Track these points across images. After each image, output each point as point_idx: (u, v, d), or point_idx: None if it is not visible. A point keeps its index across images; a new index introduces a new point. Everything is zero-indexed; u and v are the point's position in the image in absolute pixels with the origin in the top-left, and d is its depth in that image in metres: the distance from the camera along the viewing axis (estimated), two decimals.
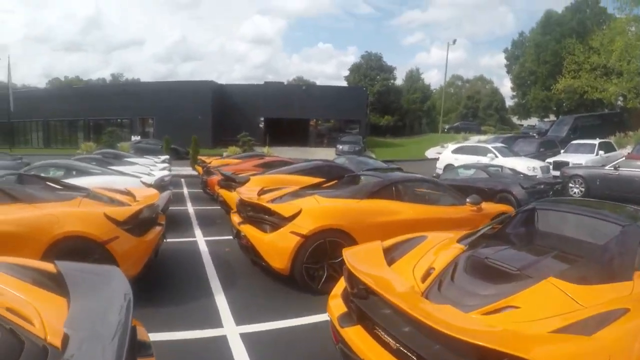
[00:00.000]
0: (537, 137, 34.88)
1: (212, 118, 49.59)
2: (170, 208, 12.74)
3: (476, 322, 3.41)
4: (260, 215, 7.84)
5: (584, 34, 44.07)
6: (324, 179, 10.19)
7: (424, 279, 4.29)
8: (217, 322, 6.00)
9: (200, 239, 10.95)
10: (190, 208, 15.49)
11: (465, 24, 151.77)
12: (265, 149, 36.63)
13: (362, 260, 4.58)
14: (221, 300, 6.77)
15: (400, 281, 4.20)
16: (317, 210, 7.46)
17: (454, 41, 66.01)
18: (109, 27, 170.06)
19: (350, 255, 4.52)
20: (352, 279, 4.17)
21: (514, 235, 5.84)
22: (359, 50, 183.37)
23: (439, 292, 4.06)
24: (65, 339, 2.42)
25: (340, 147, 42.31)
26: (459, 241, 5.12)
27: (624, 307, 3.45)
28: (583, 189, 18.72)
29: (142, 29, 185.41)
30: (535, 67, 62.02)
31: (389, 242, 5.27)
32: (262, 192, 8.97)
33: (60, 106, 52.59)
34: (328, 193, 8.53)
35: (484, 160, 21.97)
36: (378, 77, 78.03)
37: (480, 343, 2.76)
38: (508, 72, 74.05)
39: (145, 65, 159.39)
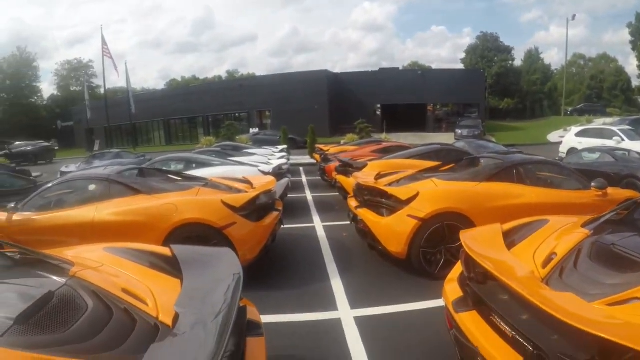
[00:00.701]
0: None
1: (329, 107, 49.70)
2: (288, 195, 12.83)
3: (600, 313, 3.07)
4: (377, 199, 7.85)
5: None
6: (441, 163, 9.98)
7: (544, 265, 4.00)
8: (332, 305, 6.11)
9: (318, 224, 11.14)
10: (309, 195, 15.81)
11: None
12: (383, 135, 35.93)
13: (481, 243, 4.38)
14: (337, 284, 6.88)
15: (520, 266, 3.92)
16: (434, 193, 7.39)
17: (574, 17, 62.02)
18: (220, 27, 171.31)
19: (469, 238, 4.34)
20: (470, 262, 3.98)
21: None
22: (474, 32, 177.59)
23: (560, 279, 3.76)
24: (176, 318, 2.65)
25: (459, 131, 41.00)
26: (583, 226, 4.69)
27: None
28: None
29: (252, 25, 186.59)
30: None
31: (508, 226, 5.01)
32: (379, 176, 8.96)
33: (179, 105, 56.13)
34: (446, 176, 8.40)
35: (609, 143, 20.98)
36: (495, 58, 76.43)
37: (603, 335, 2.51)
38: (633, 48, 71.34)
39: (260, 60, 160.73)
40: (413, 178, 8.39)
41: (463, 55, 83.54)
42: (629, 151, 16.65)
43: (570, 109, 66.73)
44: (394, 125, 46.17)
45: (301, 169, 24.06)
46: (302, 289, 6.78)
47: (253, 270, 6.70)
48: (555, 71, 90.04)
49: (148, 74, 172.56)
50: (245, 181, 8.86)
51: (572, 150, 21.81)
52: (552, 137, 40.96)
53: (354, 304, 6.11)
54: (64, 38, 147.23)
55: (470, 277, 3.95)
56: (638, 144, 19.98)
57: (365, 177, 9.13)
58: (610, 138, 22.14)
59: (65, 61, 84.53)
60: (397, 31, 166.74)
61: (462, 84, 51.63)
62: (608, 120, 38.62)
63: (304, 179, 20.39)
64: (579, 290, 3.45)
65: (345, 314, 5.82)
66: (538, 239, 4.54)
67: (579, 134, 24.74)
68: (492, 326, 3.51)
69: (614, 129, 23.65)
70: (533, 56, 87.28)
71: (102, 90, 63.15)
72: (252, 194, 7.52)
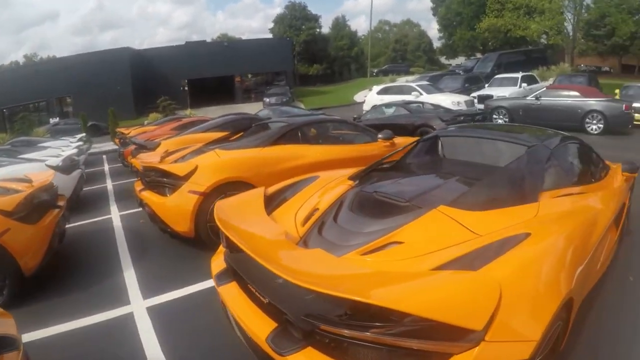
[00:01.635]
0: (462, 74, 35.11)
1: (132, 87, 46.93)
2: (85, 188, 12.34)
3: (344, 266, 3.12)
4: (158, 179, 7.42)
5: None
6: (231, 132, 9.86)
7: (305, 222, 4.00)
8: (124, 300, 5.71)
9: (115, 215, 10.44)
10: (110, 184, 14.81)
11: None
12: (188, 112, 35.73)
13: (236, 210, 4.25)
14: (130, 276, 6.46)
15: (272, 229, 3.78)
16: (215, 165, 7.14)
17: None
18: (16, 4, 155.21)
19: (222, 207, 4.16)
20: (222, 233, 3.79)
21: (415, 165, 5.62)
22: (285, 2, 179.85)
23: (319, 235, 3.74)
24: None
25: (267, 99, 41.14)
26: (350, 178, 4.83)
27: (525, 232, 3.28)
28: (507, 119, 19.35)
29: (53, 1, 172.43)
30: (461, 9, 63.09)
31: (275, 187, 4.97)
32: (167, 154, 8.48)
33: None
34: (231, 145, 8.25)
35: (409, 98, 21.97)
36: (303, 27, 77.15)
37: (337, 294, 2.44)
38: (434, 14, 74.77)
39: (62, 40, 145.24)
40: (198, 152, 8.03)
41: (272, 25, 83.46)
42: (422, 103, 17.74)
43: (376, 70, 69.64)
44: (203, 100, 45.79)
45: (104, 157, 22.69)
46: (94, 288, 6.20)
47: (40, 278, 6.19)
48: (362, 37, 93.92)
49: None
50: (26, 179, 7.75)
51: (374, 108, 22.13)
52: (358, 97, 42.05)
53: (146, 294, 5.80)
54: None
55: (225, 248, 3.88)
56: (435, 97, 21.76)
57: (148, 157, 8.71)
58: (409, 93, 23.31)
59: None
60: (208, 3, 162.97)
61: (270, 53, 51.58)
62: (410, 78, 40.60)
63: (106, 167, 19.14)
64: (337, 243, 3.50)
65: (138, 306, 5.50)
66: (304, 197, 4.58)
67: (381, 92, 25.64)
68: (250, 296, 3.40)
69: (412, 84, 25.09)
70: (340, 24, 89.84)
71: None
72: (24, 193, 6.46)
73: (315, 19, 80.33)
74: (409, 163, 5.67)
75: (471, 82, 28.95)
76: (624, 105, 17.17)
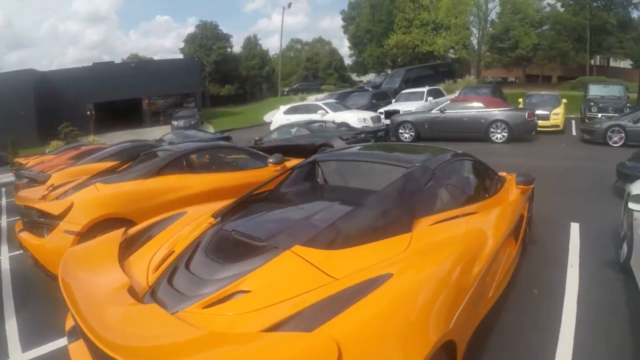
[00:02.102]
0: (370, 90, 35.04)
1: (36, 111, 42.51)
2: None
3: (169, 329, 2.58)
4: (35, 219, 6.66)
5: None
6: (120, 162, 9.03)
7: (157, 267, 3.48)
8: (2, 353, 5.07)
9: (4, 256, 9.38)
10: (4, 221, 13.23)
11: None
12: (91, 138, 34.03)
13: (84, 259, 3.73)
14: (11, 326, 5.75)
15: (116, 280, 3.18)
16: (91, 201, 6.53)
17: (289, 5, 65.00)
18: None
19: (70, 257, 3.65)
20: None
21: (289, 195, 5.10)
22: (216, 23, 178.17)
23: (168, 284, 3.22)
24: None
25: (176, 122, 39.86)
26: (214, 214, 4.34)
27: (387, 272, 2.89)
28: (413, 134, 19.25)
29: None
30: (371, 26, 63.71)
31: (139, 227, 4.49)
32: (51, 189, 7.71)
33: None
34: (113, 178, 7.58)
35: (315, 117, 21.76)
36: (214, 46, 76.14)
37: None
38: (345, 32, 75.72)
39: None
40: (80, 186, 7.31)
41: (183, 45, 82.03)
42: (325, 122, 17.62)
43: (286, 89, 69.02)
44: (110, 124, 43.66)
45: (3, 189, 20.59)
46: None
47: None
48: (274, 56, 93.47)
49: None
50: None
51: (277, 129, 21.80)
52: (268, 117, 41.16)
53: (27, 346, 5.16)
54: None
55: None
56: (341, 114, 21.82)
57: (27, 194, 8.05)
58: (315, 112, 22.89)
59: None
60: (121, 22, 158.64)
61: (178, 74, 50.26)
62: (320, 96, 40.44)
63: (3, 201, 17.33)
64: (185, 293, 3.04)
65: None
66: (165, 237, 4.06)
67: (288, 112, 25.12)
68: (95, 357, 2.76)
69: (319, 103, 24.77)
70: (252, 43, 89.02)
71: None
72: None
73: (226, 38, 79.60)
74: (282, 193, 5.14)
75: (379, 98, 28.84)
76: (526, 113, 17.53)
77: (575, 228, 7.57)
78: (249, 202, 4.76)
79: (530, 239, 6.86)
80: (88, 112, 47.23)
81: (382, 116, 22.83)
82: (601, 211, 8.45)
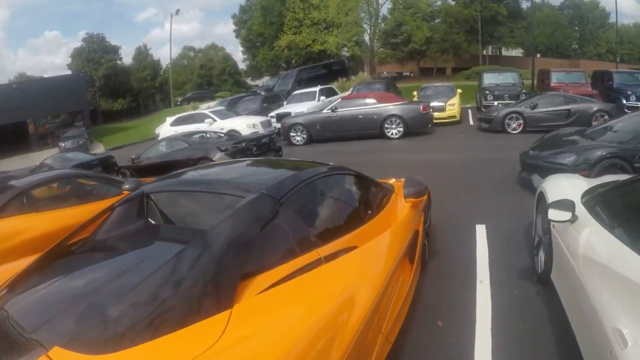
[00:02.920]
0: (263, 94, 33.83)
1: None
2: None
3: None
4: None
5: None
6: None
7: None
8: None
9: None
10: None
11: None
12: None
13: None
14: None
15: None
16: None
17: (177, 11, 66.91)
18: None
19: None
20: None
21: (105, 244, 3.60)
22: (103, 35, 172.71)
23: None
24: None
25: (63, 144, 37.03)
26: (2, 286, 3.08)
27: None
28: (305, 136, 18.33)
29: None
30: (262, 29, 62.90)
31: None
32: None
33: None
34: None
35: (202, 126, 20.54)
36: (103, 59, 73.15)
37: None
38: (237, 36, 75.12)
39: None
40: None
41: (70, 60, 78.45)
42: (206, 132, 16.23)
43: (180, 99, 67.39)
44: None
45: None
46: None
47: None
48: (168, 65, 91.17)
49: None
50: None
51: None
52: (159, 130, 39.52)
53: None
54: None
55: None
56: (229, 122, 20.78)
57: None
58: (202, 121, 21.64)
59: None
60: (8, 40, 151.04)
61: (63, 92, 47.18)
62: (211, 103, 38.95)
63: None
64: None
65: None
66: None
67: (174, 123, 23.64)
68: None
69: (206, 111, 23.65)
70: (142, 53, 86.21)
71: None
72: None
73: (115, 50, 76.65)
74: (97, 242, 3.63)
75: (270, 101, 27.65)
76: (421, 106, 16.86)
77: (481, 231, 6.66)
78: (54, 256, 3.36)
79: (431, 252, 5.89)
80: None
81: (274, 120, 21.87)
82: (508, 208, 7.66)
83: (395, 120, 16.59)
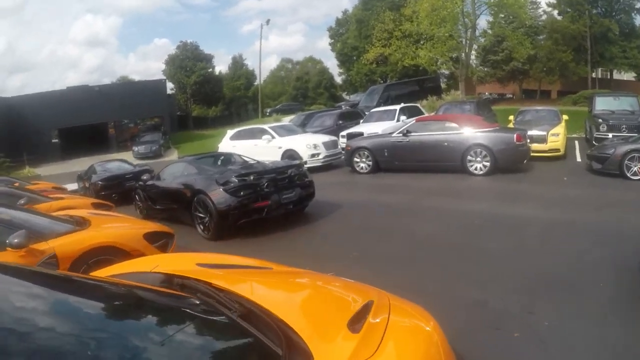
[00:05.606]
0: (343, 109, 31.09)
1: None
2: None
3: None
4: None
5: (402, 7, 41.46)
6: None
7: None
8: None
9: None
10: None
11: (301, 9, 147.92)
12: (26, 170, 33.95)
13: None
14: None
15: None
16: None
17: (268, 21, 65.80)
18: None
19: None
20: None
21: None
22: (197, 43, 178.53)
23: None
24: None
25: (136, 148, 38.23)
26: None
27: None
28: (370, 163, 15.35)
29: None
30: (357, 43, 60.43)
31: None
32: None
33: None
34: None
35: (260, 143, 18.84)
36: (195, 67, 73.14)
37: None
38: (332, 50, 72.97)
39: None
40: None
41: (163, 66, 79.15)
42: (232, 154, 13.36)
43: (269, 110, 66.61)
44: (75, 150, 41.71)
45: None
46: None
47: None
48: (267, 76, 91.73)
49: None
50: None
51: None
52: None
53: None
54: None
55: None
56: (290, 139, 18.80)
57: None
58: (260, 137, 19.34)
59: None
60: (120, 46, 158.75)
61: (145, 97, 48.37)
62: (291, 117, 36.97)
63: None
64: None
65: None
66: None
67: (233, 137, 21.49)
68: None
69: (264, 127, 20.92)
70: (238, 63, 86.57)
71: None
72: None
73: (207, 58, 76.63)
74: None
75: (347, 118, 24.87)
76: (515, 135, 13.04)
77: None
78: None
79: None
80: (54, 140, 46.83)
81: (344, 140, 19.24)
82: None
83: (481, 152, 13.02)
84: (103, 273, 4.01)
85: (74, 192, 19.05)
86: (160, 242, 6.83)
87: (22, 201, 10.32)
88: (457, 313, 4.75)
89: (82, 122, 45.57)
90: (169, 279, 3.40)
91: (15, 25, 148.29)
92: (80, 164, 28.22)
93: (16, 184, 16.18)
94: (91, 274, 4.14)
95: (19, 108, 45.44)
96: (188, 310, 2.72)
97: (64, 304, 2.50)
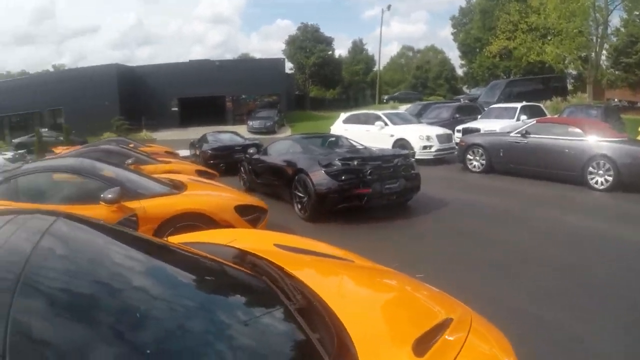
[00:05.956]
0: (461, 102, 30.36)
1: (120, 103, 45.17)
2: None
3: None
4: None
5: None
6: None
7: None
8: None
9: None
10: None
11: None
12: (142, 134, 36.44)
13: None
14: None
15: None
16: None
17: (389, 7, 63.68)
18: (61, 16, 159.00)
19: None
20: None
21: None
22: (317, 26, 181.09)
23: None
24: None
25: (251, 123, 40.76)
26: None
27: None
28: (484, 162, 14.60)
29: (95, 14, 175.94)
30: (481, 34, 58.69)
31: None
32: None
33: None
34: None
35: (372, 129, 18.69)
36: (315, 49, 73.88)
37: None
38: (455, 40, 71.39)
39: (101, 53, 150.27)
40: None
41: (284, 46, 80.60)
42: (338, 137, 13.07)
43: (386, 96, 66.02)
44: (193, 120, 44.71)
45: None
46: None
47: None
48: (387, 63, 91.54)
49: None
50: None
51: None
52: None
53: None
54: None
55: None
56: (402, 128, 18.52)
57: None
58: (373, 123, 19.26)
59: None
60: (243, 24, 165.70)
61: (263, 74, 49.88)
62: (407, 106, 36.67)
63: None
64: None
65: None
66: None
67: (346, 121, 21.50)
68: None
69: (378, 113, 20.75)
70: (358, 47, 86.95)
71: None
72: None
73: (327, 41, 77.19)
74: None
75: (465, 112, 24.10)
76: None
77: None
78: None
79: None
80: (174, 109, 50.12)
81: (458, 134, 18.68)
82: None
83: (604, 164, 11.76)
84: (179, 239, 4.05)
85: (185, 158, 19.67)
86: (251, 216, 6.89)
87: (129, 161, 11.12)
88: (547, 347, 4.24)
89: (202, 94, 48.21)
90: (241, 256, 3.38)
91: (146, 2, 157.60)
92: (196, 133, 28.95)
93: (131, 145, 17.63)
94: (168, 238, 4.22)
95: (143, 76, 49.56)
96: (247, 293, 2.69)
97: (150, 268, 2.60)
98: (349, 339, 2.13)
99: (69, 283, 2.09)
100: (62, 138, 32.66)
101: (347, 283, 3.20)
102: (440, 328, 2.34)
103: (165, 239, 4.06)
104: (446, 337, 2.27)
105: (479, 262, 6.73)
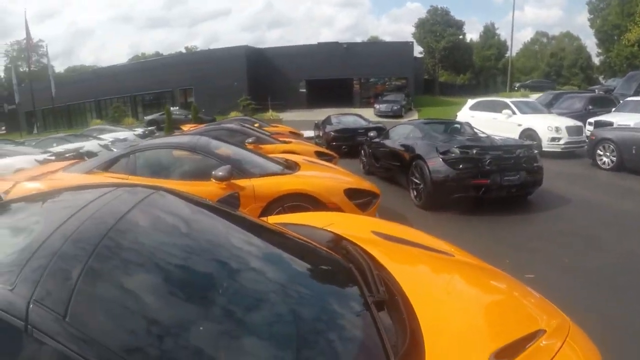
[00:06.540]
0: (596, 93, 28.89)
1: (248, 83, 48.47)
2: None
3: None
4: None
5: None
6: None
7: None
8: None
9: None
10: None
11: None
12: (269, 114, 37.49)
13: None
14: None
15: None
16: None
17: None
18: (193, 1, 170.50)
19: None
20: None
21: None
22: (448, 9, 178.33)
23: None
24: None
25: (378, 106, 41.27)
26: None
27: None
28: (614, 159, 13.60)
29: None
30: (619, 20, 55.78)
31: None
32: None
33: (110, 85, 56.07)
34: (78, 167, 7.57)
35: (499, 117, 18.43)
36: (445, 32, 73.09)
37: None
38: (591, 26, 67.48)
39: (232, 35, 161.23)
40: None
41: (413, 29, 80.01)
42: (461, 124, 12.92)
43: (518, 84, 63.71)
44: (320, 101, 45.96)
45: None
46: None
47: None
48: (520, 49, 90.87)
49: (119, 49, 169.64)
50: None
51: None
52: None
53: None
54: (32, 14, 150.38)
55: None
56: (530, 117, 17.90)
57: None
58: (500, 111, 18.88)
59: (15, 41, 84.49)
60: (372, 7, 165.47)
61: (390, 58, 50.46)
62: (537, 95, 35.22)
63: None
64: None
65: None
66: None
67: (473, 107, 21.30)
68: None
69: (507, 100, 20.10)
70: (489, 32, 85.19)
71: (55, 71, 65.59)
72: None
73: (458, 25, 76.13)
74: None
75: (599, 104, 22.76)
76: None
77: None
78: None
79: None
80: (301, 90, 51.85)
81: (589, 127, 17.65)
82: None
83: None
84: (277, 219, 4.22)
85: (309, 139, 20.17)
86: (361, 200, 6.89)
87: (249, 140, 11.68)
88: None
89: (329, 76, 49.59)
90: (335, 240, 3.38)
91: None
92: (322, 114, 28.79)
93: (256, 125, 18.68)
94: (267, 217, 4.43)
95: (272, 58, 51.91)
96: (326, 280, 2.70)
97: (228, 243, 2.64)
98: (422, 342, 2.05)
99: (145, 254, 2.17)
100: (190, 116, 34.89)
101: (437, 279, 3.07)
102: (526, 341, 2.17)
103: (266, 218, 4.20)
104: (530, 351, 2.09)
105: (598, 273, 5.94)
